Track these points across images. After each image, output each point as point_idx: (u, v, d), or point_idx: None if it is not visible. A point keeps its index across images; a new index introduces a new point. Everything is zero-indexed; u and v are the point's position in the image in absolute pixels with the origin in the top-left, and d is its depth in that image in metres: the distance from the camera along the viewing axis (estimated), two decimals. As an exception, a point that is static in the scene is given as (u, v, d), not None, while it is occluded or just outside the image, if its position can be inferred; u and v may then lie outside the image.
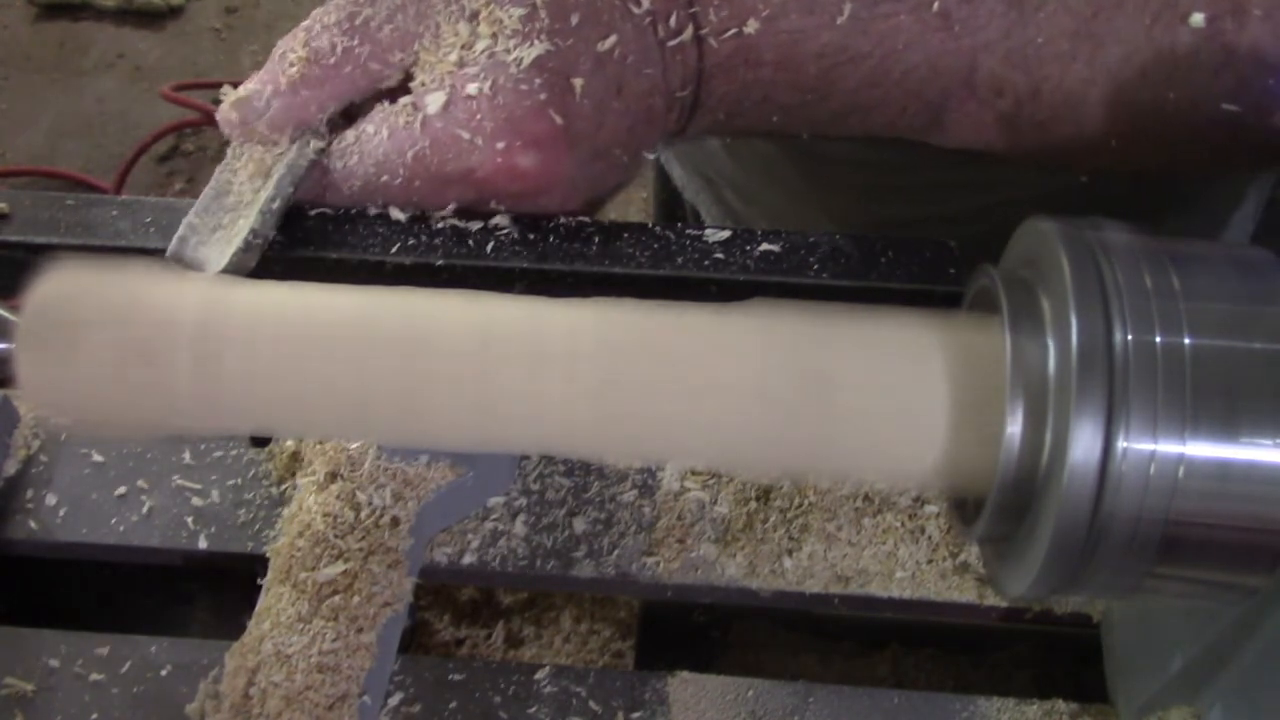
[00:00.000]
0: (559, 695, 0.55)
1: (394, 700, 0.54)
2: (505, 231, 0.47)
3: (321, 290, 0.41)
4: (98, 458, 0.62)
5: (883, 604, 0.57)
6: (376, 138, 0.46)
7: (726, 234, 0.47)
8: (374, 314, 0.40)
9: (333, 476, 0.53)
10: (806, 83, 0.48)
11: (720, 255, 0.46)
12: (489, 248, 0.46)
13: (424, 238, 0.46)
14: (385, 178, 0.46)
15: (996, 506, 0.37)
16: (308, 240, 0.46)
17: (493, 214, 0.47)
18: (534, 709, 0.54)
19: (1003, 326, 0.37)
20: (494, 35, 0.45)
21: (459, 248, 0.46)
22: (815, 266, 0.46)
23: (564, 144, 0.45)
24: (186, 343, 0.39)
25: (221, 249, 0.44)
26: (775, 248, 0.46)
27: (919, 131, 0.52)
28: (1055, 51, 0.48)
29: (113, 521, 0.59)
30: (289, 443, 0.60)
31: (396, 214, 0.47)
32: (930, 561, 0.58)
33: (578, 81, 0.45)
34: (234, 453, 0.62)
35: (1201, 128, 0.49)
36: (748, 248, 0.46)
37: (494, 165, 0.45)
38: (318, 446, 0.56)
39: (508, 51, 0.44)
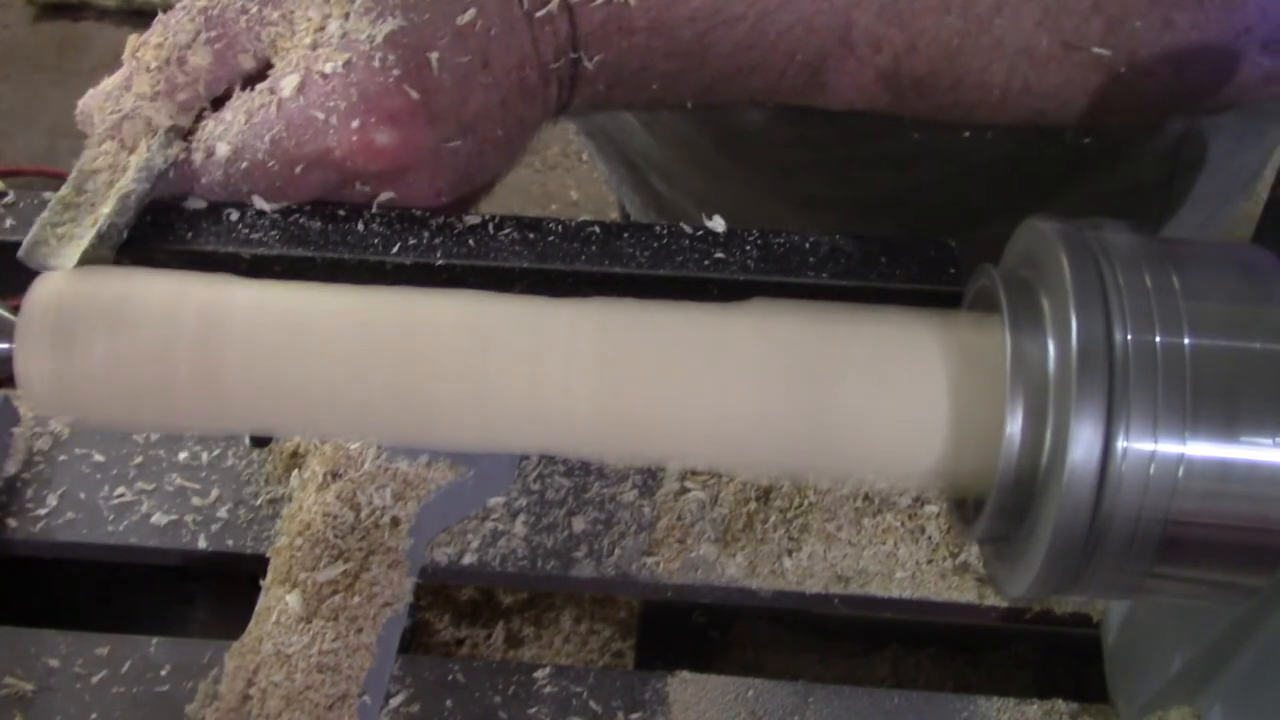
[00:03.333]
0: (559, 695, 0.55)
1: (394, 700, 0.54)
2: (506, 231, 0.47)
3: (321, 290, 0.41)
4: (98, 458, 0.62)
5: (883, 604, 0.57)
6: (235, 124, 0.45)
7: (724, 228, 0.47)
8: (374, 314, 0.40)
9: (333, 476, 0.53)
10: (681, 48, 0.49)
11: (720, 255, 0.46)
12: (489, 248, 0.46)
13: (424, 237, 0.46)
14: (245, 164, 0.45)
15: (996, 506, 0.37)
16: (307, 240, 0.46)
17: (361, 203, 0.47)
18: (534, 709, 0.54)
19: (1003, 326, 0.37)
20: (346, 14, 0.45)
21: (459, 248, 0.46)
22: (815, 266, 0.46)
23: (422, 119, 0.45)
24: (186, 342, 0.39)
25: (73, 248, 0.43)
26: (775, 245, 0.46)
27: (801, 93, 0.52)
28: (929, 4, 0.48)
29: (113, 521, 0.59)
30: (289, 442, 0.60)
31: (261, 204, 0.46)
32: (930, 561, 0.58)
33: (434, 55, 0.45)
34: (234, 452, 0.62)
35: (1076, 75, 0.50)
36: (747, 247, 0.46)
37: (350, 144, 0.44)
38: (318, 446, 0.56)
39: (360, 30, 0.44)
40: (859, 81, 0.51)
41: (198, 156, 0.46)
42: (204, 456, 0.62)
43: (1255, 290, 0.36)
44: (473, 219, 0.47)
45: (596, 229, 0.47)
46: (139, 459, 0.62)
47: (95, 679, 0.55)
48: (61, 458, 0.62)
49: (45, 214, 0.45)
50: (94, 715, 0.53)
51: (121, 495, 0.60)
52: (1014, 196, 0.70)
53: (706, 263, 0.46)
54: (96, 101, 0.47)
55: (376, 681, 0.50)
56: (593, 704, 0.54)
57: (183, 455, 0.62)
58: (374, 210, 0.47)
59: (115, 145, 0.47)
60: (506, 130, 0.48)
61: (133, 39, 0.48)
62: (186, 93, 0.46)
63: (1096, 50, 0.49)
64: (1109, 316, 0.35)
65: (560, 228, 0.47)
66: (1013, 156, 0.68)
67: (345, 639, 0.50)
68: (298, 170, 0.45)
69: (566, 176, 2.16)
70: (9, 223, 0.47)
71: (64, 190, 0.46)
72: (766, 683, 0.55)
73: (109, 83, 0.48)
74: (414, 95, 0.44)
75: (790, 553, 0.58)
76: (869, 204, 0.75)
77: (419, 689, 0.55)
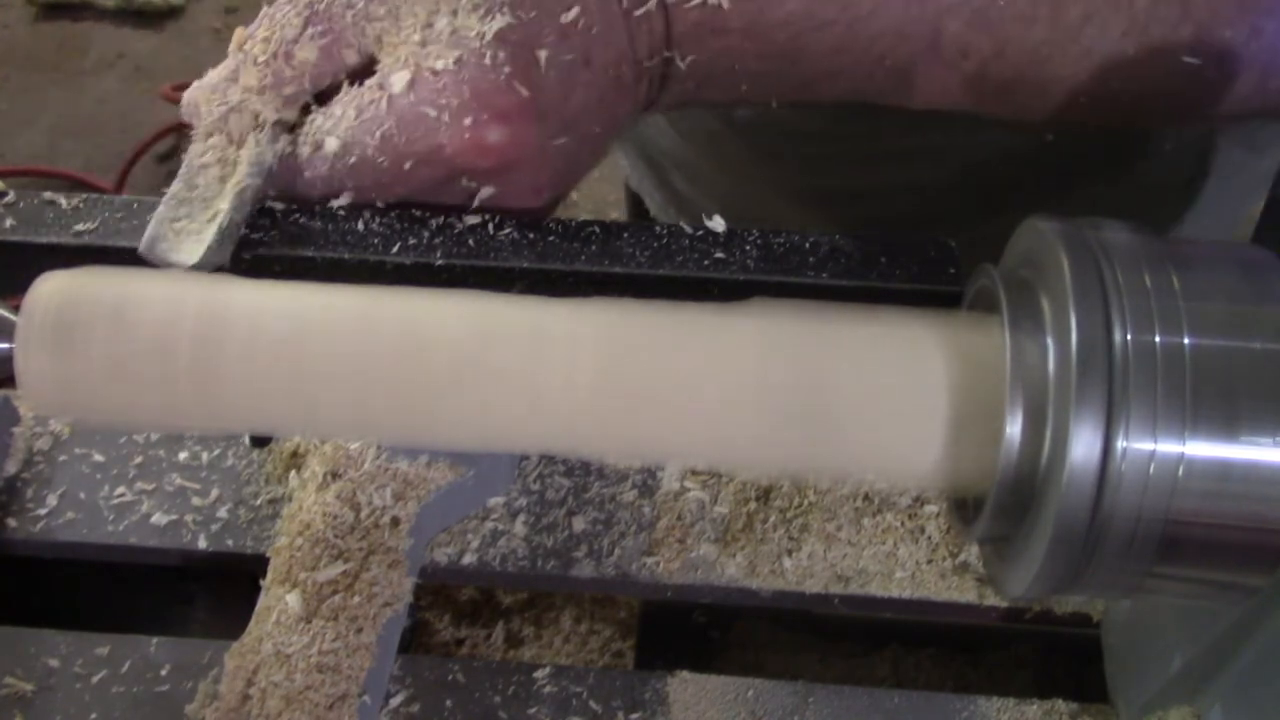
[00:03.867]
0: (559, 695, 0.55)
1: (394, 700, 0.54)
2: (506, 231, 0.47)
3: (321, 290, 0.41)
4: (98, 458, 0.62)
5: (883, 604, 0.57)
6: (344, 119, 0.45)
7: (724, 228, 0.47)
8: (374, 314, 0.40)
9: (333, 476, 0.53)
10: (774, 50, 0.49)
11: (720, 255, 0.46)
12: (489, 248, 0.46)
13: (424, 237, 0.46)
14: (353, 159, 0.46)
15: (996, 506, 0.37)
16: (307, 240, 0.46)
17: (462, 202, 0.47)
18: (534, 709, 0.54)
19: (1003, 326, 0.37)
20: (454, 11, 0.45)
21: (459, 248, 0.46)
22: (815, 266, 0.46)
23: (531, 116, 0.45)
24: (186, 342, 0.39)
25: (194, 244, 0.44)
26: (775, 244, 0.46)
27: (887, 95, 0.52)
28: (1017, 13, 0.48)
29: (113, 521, 0.59)
30: (289, 442, 0.60)
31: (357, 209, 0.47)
32: (930, 561, 0.58)
33: (542, 53, 0.45)
34: (234, 452, 0.62)
35: (1162, 82, 0.50)
36: (747, 247, 0.46)
37: (461, 141, 0.45)
38: (318, 446, 0.56)
39: (469, 27, 0.44)
40: (945, 85, 0.51)
41: (305, 150, 0.46)
42: (204, 456, 0.62)
43: (1255, 290, 0.36)
44: (472, 219, 0.47)
45: (596, 229, 0.47)
46: (139, 459, 0.62)
47: (95, 679, 0.55)
48: (61, 458, 0.62)
49: (161, 209, 0.45)
50: (94, 715, 0.53)
51: (121, 495, 0.60)
52: (1037, 190, 0.70)
53: (706, 263, 0.46)
54: (203, 94, 0.47)
55: (376, 681, 0.50)
56: (593, 704, 0.54)
57: (183, 455, 0.62)
58: (386, 209, 0.47)
59: (223, 139, 0.47)
60: (602, 127, 0.49)
61: (239, 31, 0.48)
62: (293, 87, 0.47)
63: (1186, 59, 0.49)
64: (1109, 316, 0.35)
65: (560, 228, 0.47)
66: (1038, 152, 0.68)
67: (345, 639, 0.50)
68: (406, 166, 0.45)
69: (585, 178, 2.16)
70: (9, 223, 0.47)
71: (176, 186, 0.46)
72: (766, 683, 0.55)
73: (214, 75, 0.48)
74: (524, 92, 0.45)
75: (790, 553, 0.58)
76: (892, 198, 0.75)
77: (419, 689, 0.55)
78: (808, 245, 0.47)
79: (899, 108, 0.53)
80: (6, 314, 0.41)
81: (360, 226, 0.47)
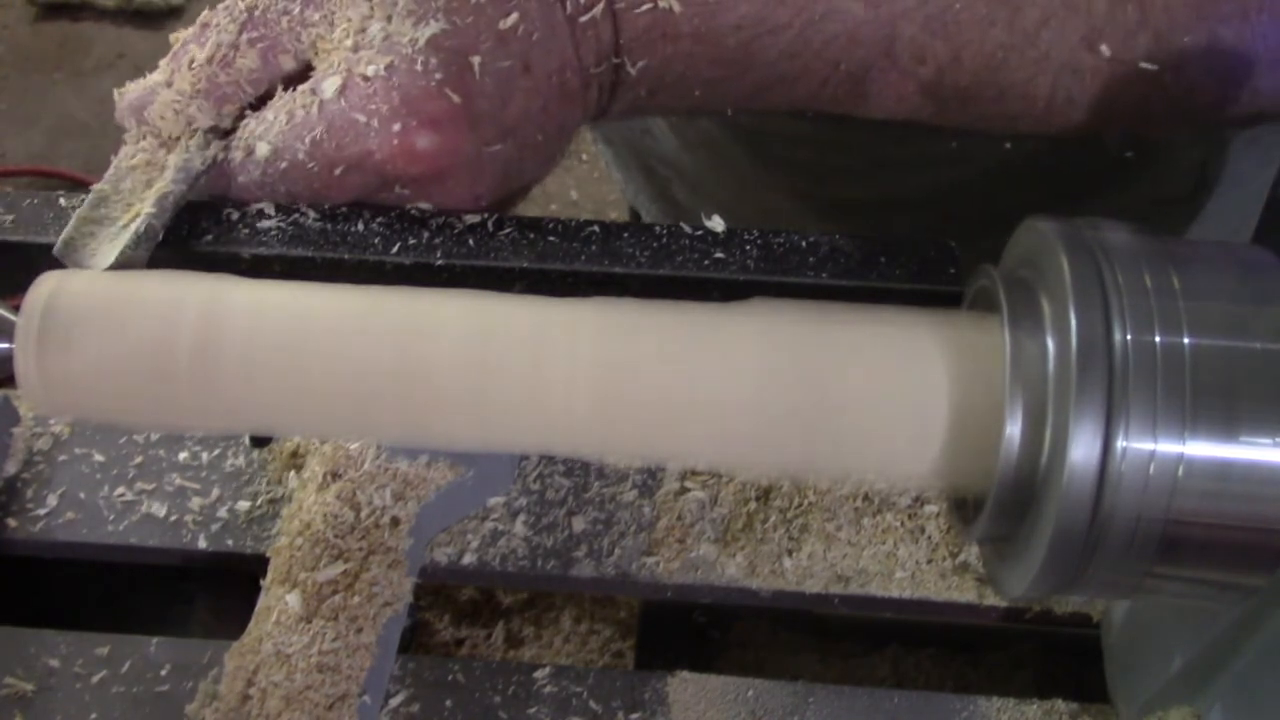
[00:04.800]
0: (559, 695, 0.55)
1: (394, 700, 0.54)
2: (506, 231, 0.47)
3: (322, 290, 0.41)
4: (98, 458, 0.62)
5: (883, 604, 0.57)
6: (275, 124, 0.45)
7: (724, 228, 0.47)
8: (374, 314, 0.40)
9: (333, 476, 0.53)
10: (726, 55, 0.48)
11: (720, 255, 0.46)
12: (489, 248, 0.46)
13: (424, 237, 0.46)
14: (284, 164, 0.45)
15: (996, 506, 0.37)
16: (307, 240, 0.46)
17: (397, 206, 0.47)
18: (534, 709, 0.54)
19: (1002, 326, 0.37)
20: (388, 17, 0.45)
21: (459, 248, 0.46)
22: (815, 266, 0.46)
23: (464, 123, 0.45)
24: (186, 342, 0.39)
25: (109, 247, 0.43)
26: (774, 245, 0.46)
27: (842, 103, 0.52)
28: (974, 17, 0.48)
29: (113, 521, 0.59)
30: (289, 442, 0.60)
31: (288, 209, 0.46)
32: (930, 561, 0.58)
33: (476, 59, 0.44)
34: (234, 452, 0.62)
35: (1121, 88, 0.50)
36: (747, 247, 0.46)
37: (391, 147, 0.44)
38: (318, 446, 0.56)
39: (402, 33, 0.44)
40: (901, 92, 0.51)
41: (237, 155, 0.46)
42: (204, 456, 0.62)
43: (1255, 290, 0.36)
44: (472, 218, 0.47)
45: (596, 229, 0.47)
46: (139, 459, 0.62)
47: (95, 679, 0.55)
48: (61, 458, 0.62)
49: (81, 210, 0.45)
50: (94, 715, 0.53)
51: (121, 495, 0.60)
52: (1042, 203, 0.70)
53: (706, 263, 0.46)
54: (138, 97, 0.47)
55: (376, 681, 0.50)
56: (593, 704, 0.54)
57: (183, 455, 0.62)
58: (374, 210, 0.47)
59: (153, 143, 0.47)
60: (546, 135, 0.48)
61: (174, 37, 0.48)
62: (228, 92, 0.46)
63: (1143, 65, 0.48)
64: (1108, 316, 0.35)
65: (560, 228, 0.47)
66: (1042, 163, 0.68)
67: (345, 639, 0.50)
68: (337, 172, 0.45)
69: (566, 176, 2.16)
70: (9, 222, 0.47)
71: (100, 186, 0.46)
72: (766, 683, 0.55)
73: (150, 80, 0.48)
74: (455, 99, 0.44)
75: (790, 553, 0.58)
76: (896, 208, 0.75)
77: (419, 689, 0.55)
78: (808, 245, 0.47)
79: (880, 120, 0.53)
80: (6, 314, 0.41)
81: (360, 226, 0.47)
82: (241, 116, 0.47)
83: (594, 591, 0.64)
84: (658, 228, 0.47)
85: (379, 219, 0.47)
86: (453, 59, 0.44)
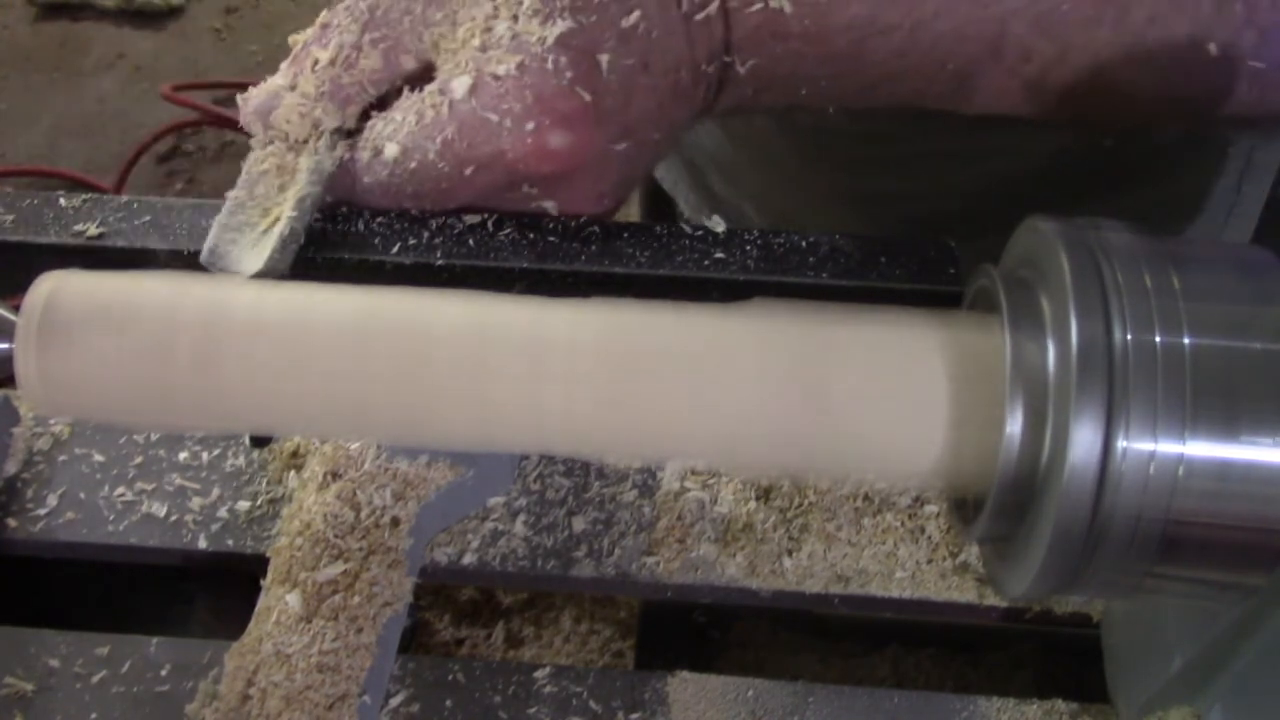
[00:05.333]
0: (559, 695, 0.55)
1: (394, 700, 0.54)
2: (506, 231, 0.47)
3: (322, 290, 0.41)
4: (98, 458, 0.62)
5: (883, 604, 0.57)
6: (404, 125, 0.45)
7: (724, 228, 0.47)
8: (374, 314, 0.40)
9: (333, 476, 0.53)
10: (835, 55, 0.48)
11: (720, 255, 0.46)
12: (489, 248, 0.46)
13: (424, 238, 0.46)
14: (414, 164, 0.45)
15: (996, 506, 0.37)
16: (307, 240, 0.46)
17: (522, 209, 0.46)
18: (534, 709, 0.54)
19: (1003, 326, 0.37)
20: (514, 16, 0.44)
21: (459, 248, 0.46)
22: (815, 266, 0.46)
23: (593, 122, 0.45)
24: (186, 342, 0.39)
25: (254, 253, 0.44)
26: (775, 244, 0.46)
27: (947, 100, 0.52)
28: (1081, 16, 0.48)
29: (113, 521, 0.59)
30: (289, 442, 0.60)
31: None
32: (930, 561, 0.58)
33: (603, 58, 0.44)
34: (234, 452, 0.62)
35: (1227, 87, 0.49)
36: (747, 247, 0.46)
37: (524, 146, 0.44)
38: (318, 446, 0.56)
39: (530, 32, 0.44)
40: (1005, 89, 0.50)
41: (364, 156, 0.46)
42: (204, 456, 0.62)
43: (1255, 290, 0.36)
44: (472, 219, 0.47)
45: (596, 229, 0.47)
46: (139, 459, 0.62)
47: (95, 679, 0.55)
48: (61, 458, 0.62)
49: (221, 217, 0.45)
50: (94, 715, 0.53)
51: (121, 495, 0.60)
52: (1086, 196, 0.70)
53: (706, 263, 0.46)
54: (263, 101, 0.47)
55: (376, 681, 0.50)
56: (593, 704, 0.54)
57: (183, 455, 0.62)
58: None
59: (281, 147, 0.47)
60: (661, 132, 0.48)
61: (295, 38, 0.48)
62: (352, 93, 0.46)
63: (1251, 63, 0.48)
64: (1109, 316, 0.35)
65: (560, 228, 0.47)
66: (1093, 157, 0.68)
67: (345, 639, 0.50)
68: (467, 172, 0.45)
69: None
70: (9, 222, 0.47)
71: (236, 193, 0.46)
72: (766, 683, 0.55)
73: (272, 83, 0.48)
74: (586, 97, 0.44)
75: (790, 553, 0.58)
76: (931, 200, 0.74)
77: (419, 689, 0.55)
78: (808, 245, 0.47)
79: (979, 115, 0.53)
80: (6, 314, 0.41)
81: (360, 227, 0.47)
82: (365, 117, 0.47)
83: (594, 591, 0.64)
84: (658, 228, 0.47)
85: (379, 219, 0.47)
86: (581, 57, 0.44)
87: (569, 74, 0.44)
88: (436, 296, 0.41)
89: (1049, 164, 0.69)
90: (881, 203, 0.76)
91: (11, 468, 0.61)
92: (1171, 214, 0.74)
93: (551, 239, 0.46)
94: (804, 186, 0.78)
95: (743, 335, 0.39)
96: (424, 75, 0.46)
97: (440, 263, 0.46)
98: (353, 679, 0.49)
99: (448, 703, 0.54)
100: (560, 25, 0.44)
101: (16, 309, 0.40)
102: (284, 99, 0.46)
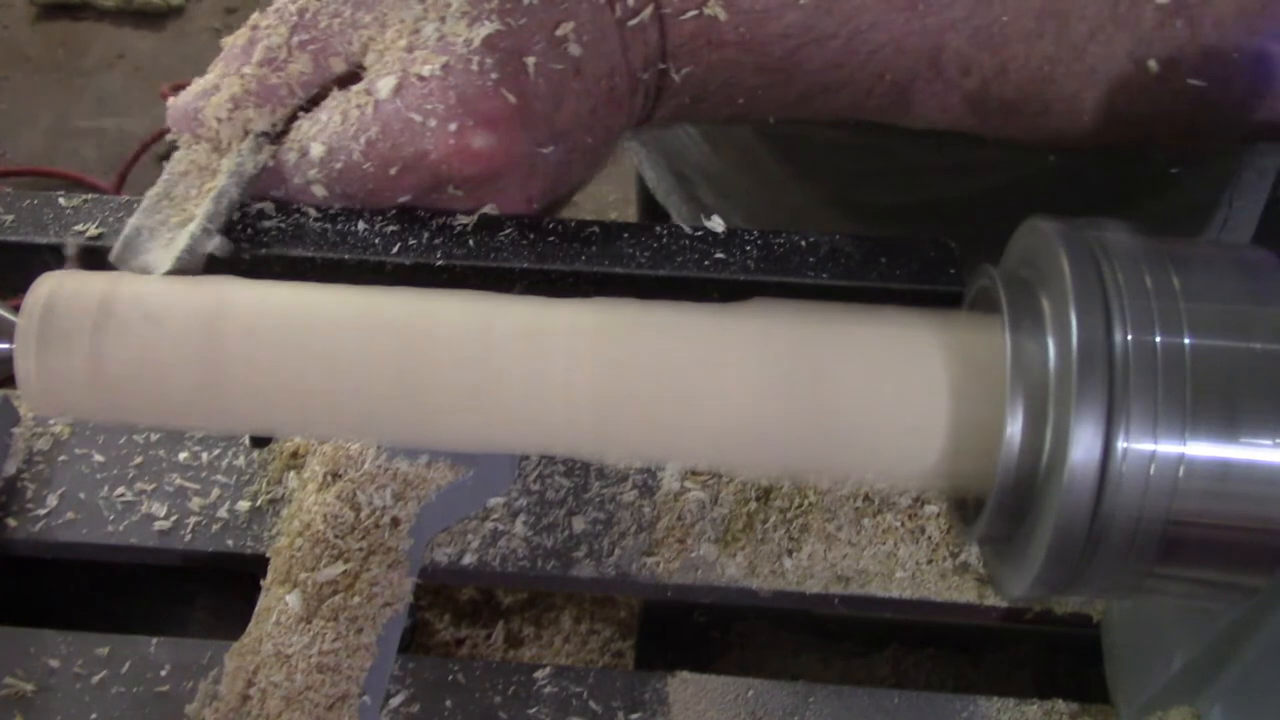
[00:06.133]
0: (559, 695, 0.55)
1: (394, 700, 0.54)
2: (506, 232, 0.47)
3: (322, 290, 0.41)
4: (98, 458, 0.62)
5: (883, 604, 0.57)
6: (330, 125, 0.45)
7: (724, 228, 0.47)
8: (374, 314, 0.40)
9: (333, 476, 0.53)
10: (771, 64, 0.48)
11: (720, 255, 0.46)
12: (489, 248, 0.46)
13: (424, 238, 0.46)
14: (339, 164, 0.45)
15: (996, 506, 0.37)
16: (307, 240, 0.46)
17: (454, 210, 0.47)
18: (534, 709, 0.54)
19: (1003, 326, 0.37)
20: (442, 18, 0.44)
21: (459, 248, 0.46)
22: (815, 266, 0.46)
23: (519, 124, 0.45)
24: (186, 343, 0.39)
25: (167, 251, 0.43)
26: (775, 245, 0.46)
27: (885, 112, 0.52)
28: (1021, 30, 0.48)
29: (113, 521, 0.59)
30: (289, 442, 0.60)
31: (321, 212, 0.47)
32: (930, 561, 0.58)
33: (530, 60, 0.44)
34: (234, 452, 0.62)
35: (1168, 103, 0.49)
36: (747, 247, 0.46)
37: (447, 147, 0.44)
38: (318, 446, 0.56)
39: (457, 33, 0.44)
40: (945, 103, 0.50)
41: (291, 156, 0.46)
42: (204, 456, 0.62)
43: (1255, 290, 0.36)
44: (473, 219, 0.47)
45: (596, 229, 0.47)
46: (139, 459, 0.62)
47: (95, 679, 0.55)
48: (61, 458, 0.62)
49: (136, 216, 0.45)
50: (94, 715, 0.53)
51: (121, 495, 0.60)
52: (1074, 211, 0.70)
53: (706, 263, 0.46)
54: (189, 102, 0.47)
55: (376, 681, 0.50)
56: (593, 704, 0.54)
57: (183, 455, 0.62)
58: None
59: (206, 148, 0.47)
60: (594, 138, 0.48)
61: (225, 41, 0.48)
62: (281, 95, 0.46)
63: (1191, 81, 0.48)
64: (1109, 316, 0.35)
65: (560, 228, 0.47)
66: (1077, 173, 0.68)
67: (345, 639, 0.50)
68: (392, 172, 0.45)
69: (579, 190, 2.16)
70: (9, 222, 0.47)
71: (155, 191, 0.46)
72: (766, 683, 0.55)
73: (200, 84, 0.47)
74: (511, 99, 0.44)
75: (790, 553, 0.58)
76: (926, 214, 0.74)
77: (419, 689, 0.55)
78: (807, 245, 0.47)
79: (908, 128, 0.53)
80: (6, 314, 0.41)
81: (360, 226, 0.47)
82: (294, 119, 0.47)
83: (594, 591, 0.64)
84: (658, 228, 0.47)
85: (379, 219, 0.47)
86: (508, 59, 0.44)
87: (494, 76, 0.44)
88: (436, 296, 0.41)
89: (1045, 178, 0.69)
90: (870, 216, 0.76)
91: (11, 468, 0.61)
92: (1164, 229, 0.74)
93: (551, 239, 0.46)
94: (792, 198, 0.78)
95: (743, 335, 0.39)
96: (353, 78, 0.46)
97: (440, 263, 0.46)
98: (353, 679, 0.49)
99: (448, 703, 0.54)
100: (487, 27, 0.44)
101: (16, 309, 0.40)
102: (210, 100, 0.46)
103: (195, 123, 0.47)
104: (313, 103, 0.47)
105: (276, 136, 0.47)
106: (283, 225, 0.47)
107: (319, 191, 0.46)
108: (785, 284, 0.45)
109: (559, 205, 0.51)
